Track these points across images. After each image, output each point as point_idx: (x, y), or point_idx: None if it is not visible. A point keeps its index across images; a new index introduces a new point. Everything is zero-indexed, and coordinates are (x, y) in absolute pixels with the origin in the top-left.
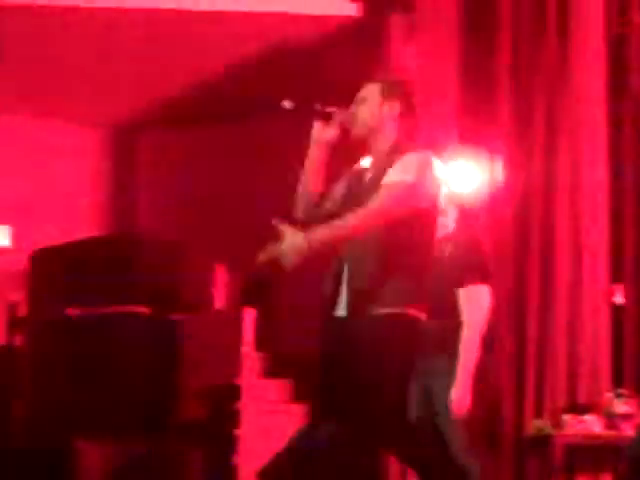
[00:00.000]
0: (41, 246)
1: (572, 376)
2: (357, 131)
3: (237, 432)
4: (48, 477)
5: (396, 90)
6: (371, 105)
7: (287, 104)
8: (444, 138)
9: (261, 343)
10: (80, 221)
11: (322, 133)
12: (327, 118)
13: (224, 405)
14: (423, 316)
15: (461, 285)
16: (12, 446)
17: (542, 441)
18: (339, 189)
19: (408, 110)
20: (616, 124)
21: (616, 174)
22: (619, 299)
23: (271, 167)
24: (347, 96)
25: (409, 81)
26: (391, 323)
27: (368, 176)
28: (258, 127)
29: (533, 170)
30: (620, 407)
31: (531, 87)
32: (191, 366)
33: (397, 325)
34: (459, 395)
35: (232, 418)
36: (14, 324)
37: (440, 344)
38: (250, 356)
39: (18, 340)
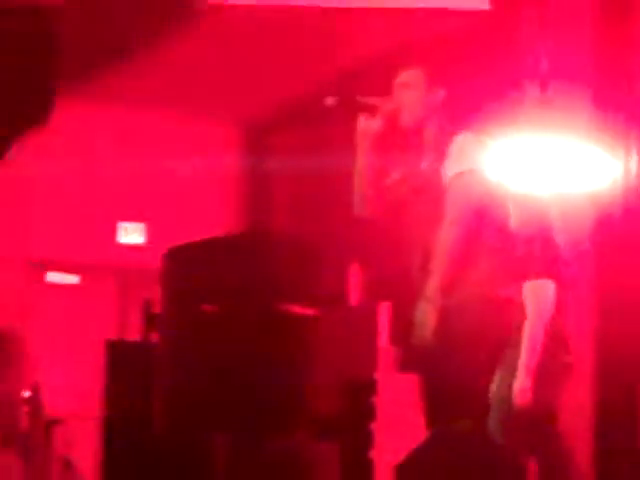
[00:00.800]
0: (175, 243)
1: None
2: (405, 121)
3: (374, 426)
4: (187, 474)
5: (440, 76)
6: (417, 93)
7: (330, 100)
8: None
9: (394, 337)
10: (215, 219)
11: (368, 126)
12: (372, 110)
13: (360, 400)
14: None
15: (525, 279)
16: (152, 444)
17: None
18: (396, 180)
19: (452, 96)
20: None
21: None
22: None
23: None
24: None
25: (451, 66)
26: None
27: (424, 165)
28: None
29: None
30: None
31: None
32: (327, 362)
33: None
34: (521, 387)
35: (369, 412)
36: (150, 321)
37: None
38: (386, 350)
39: (154, 337)
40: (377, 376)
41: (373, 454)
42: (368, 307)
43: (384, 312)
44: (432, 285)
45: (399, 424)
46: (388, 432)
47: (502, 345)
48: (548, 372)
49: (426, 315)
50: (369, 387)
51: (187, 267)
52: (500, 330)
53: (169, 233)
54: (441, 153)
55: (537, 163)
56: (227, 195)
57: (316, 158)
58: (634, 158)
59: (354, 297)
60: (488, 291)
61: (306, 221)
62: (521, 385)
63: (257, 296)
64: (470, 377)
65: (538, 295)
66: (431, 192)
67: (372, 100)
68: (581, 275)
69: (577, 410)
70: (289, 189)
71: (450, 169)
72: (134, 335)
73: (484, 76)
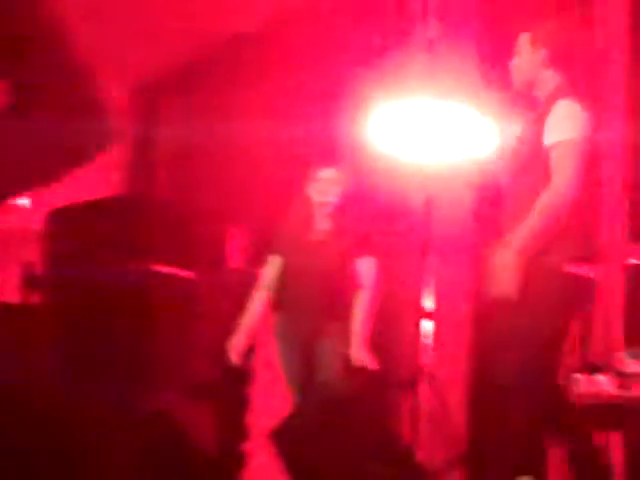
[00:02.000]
0: (57, 205)
1: (586, 336)
2: (516, 83)
3: (249, 390)
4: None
5: (543, 37)
6: (523, 56)
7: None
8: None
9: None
10: (99, 181)
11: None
12: None
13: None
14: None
15: (357, 256)
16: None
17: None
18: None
19: (557, 56)
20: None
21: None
22: (635, 260)
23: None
24: None
25: (560, 27)
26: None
27: (530, 127)
28: (276, 89)
29: None
30: (632, 367)
31: None
32: (203, 325)
33: None
34: (358, 354)
35: (244, 377)
36: (29, 283)
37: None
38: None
39: (34, 298)
40: (254, 341)
41: (248, 418)
42: (247, 271)
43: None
44: (522, 237)
45: (275, 388)
46: (264, 396)
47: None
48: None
49: (510, 265)
50: (246, 351)
51: (66, 229)
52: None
53: (51, 194)
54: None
55: (421, 129)
56: (112, 158)
57: (203, 124)
58: (519, 127)
59: (233, 260)
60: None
61: (189, 186)
62: (360, 353)
63: (133, 258)
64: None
65: (369, 270)
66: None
67: None
68: (461, 245)
69: (452, 369)
70: (175, 154)
71: (553, 136)
72: (13, 296)
73: (371, 39)
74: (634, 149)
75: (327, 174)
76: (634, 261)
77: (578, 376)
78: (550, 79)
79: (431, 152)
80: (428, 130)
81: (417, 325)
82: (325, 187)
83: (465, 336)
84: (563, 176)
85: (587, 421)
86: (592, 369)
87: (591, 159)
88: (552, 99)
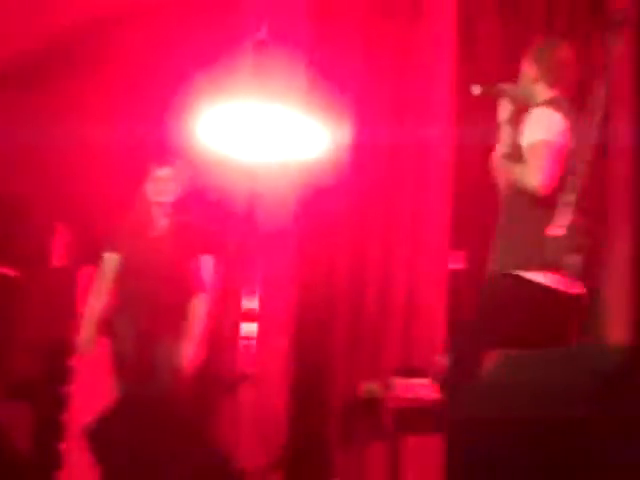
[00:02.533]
0: None
1: (407, 339)
2: (518, 100)
3: (68, 389)
4: None
5: (539, 53)
6: (525, 70)
7: (477, 90)
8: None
9: None
10: None
11: (506, 110)
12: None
13: (56, 363)
14: None
15: (196, 254)
16: None
17: (373, 404)
18: None
19: (549, 72)
20: (463, 92)
21: (461, 138)
22: (458, 265)
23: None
24: None
25: (556, 44)
26: None
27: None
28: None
29: (377, 131)
30: None
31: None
32: (23, 323)
33: None
34: (192, 354)
35: (63, 376)
36: None
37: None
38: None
39: None
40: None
41: (65, 416)
42: (70, 270)
43: (86, 277)
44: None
45: (94, 387)
46: (82, 395)
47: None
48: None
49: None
50: (65, 351)
51: None
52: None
53: None
54: None
55: (250, 129)
56: None
57: (32, 118)
58: (346, 128)
59: (57, 259)
60: None
61: (15, 182)
62: (192, 353)
63: None
64: None
65: (206, 270)
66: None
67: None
68: (285, 245)
69: (273, 369)
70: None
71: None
72: None
73: (203, 39)
74: (460, 155)
75: (163, 173)
76: (455, 266)
77: (397, 380)
78: (541, 93)
79: (258, 152)
80: (256, 130)
81: (237, 326)
82: (162, 186)
83: (288, 337)
84: (537, 172)
85: (405, 425)
86: (411, 373)
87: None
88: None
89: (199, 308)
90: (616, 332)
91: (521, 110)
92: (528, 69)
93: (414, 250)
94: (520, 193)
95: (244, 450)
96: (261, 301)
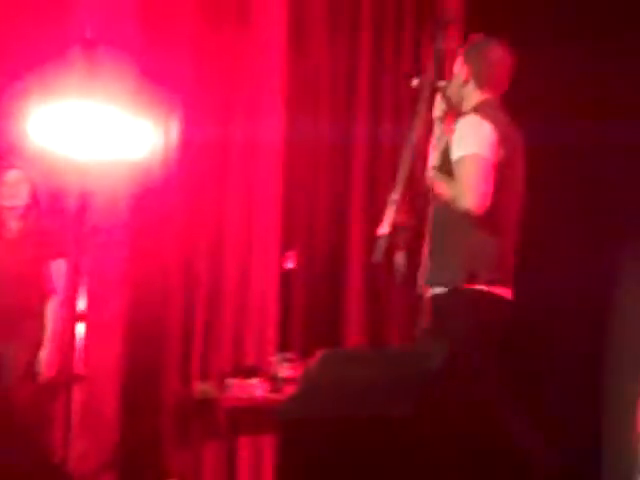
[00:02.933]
0: None
1: (240, 340)
2: (451, 101)
3: None
4: None
5: (471, 53)
6: (456, 71)
7: (415, 82)
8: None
9: None
10: None
11: (440, 107)
12: (442, 91)
13: None
14: None
15: (45, 259)
16: None
17: (207, 404)
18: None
19: (480, 74)
20: (294, 91)
21: (289, 140)
22: (290, 264)
23: None
24: None
25: (487, 44)
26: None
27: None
28: None
29: (210, 136)
30: (284, 371)
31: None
32: None
33: None
34: (48, 358)
35: None
36: None
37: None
38: None
39: None
40: None
41: None
42: None
43: None
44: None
45: None
46: None
47: None
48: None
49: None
50: None
51: None
52: None
53: None
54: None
55: (79, 129)
56: None
57: None
58: (174, 127)
59: None
60: None
61: None
62: (49, 357)
63: None
64: None
65: (59, 273)
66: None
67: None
68: (116, 244)
69: (104, 369)
70: None
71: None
72: None
73: (32, 38)
74: (290, 156)
75: (11, 176)
76: (287, 266)
77: (231, 380)
78: (471, 95)
79: (89, 150)
80: (87, 129)
81: (72, 326)
82: (11, 189)
83: (119, 337)
84: (469, 192)
85: (240, 425)
86: (245, 373)
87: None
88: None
89: (52, 311)
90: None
91: (453, 111)
92: (459, 70)
93: (245, 250)
94: (451, 207)
95: (76, 452)
96: (90, 300)
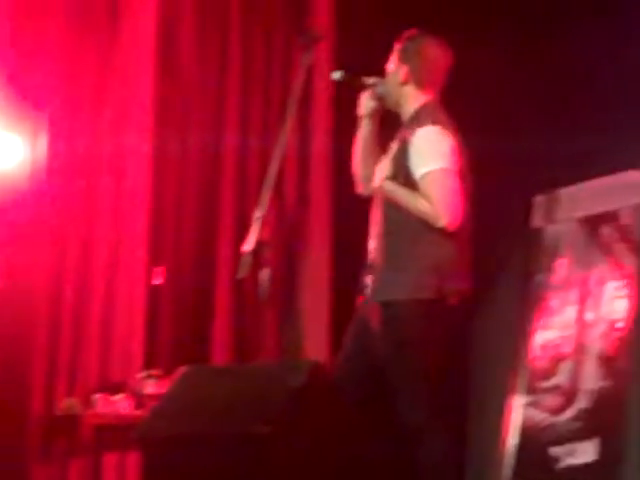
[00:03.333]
0: None
1: (105, 356)
2: (387, 101)
3: None
4: None
5: (408, 52)
6: (392, 70)
7: (337, 75)
8: None
9: None
10: None
11: (368, 105)
12: (371, 88)
13: None
14: None
15: None
16: None
17: (72, 420)
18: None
19: (419, 73)
20: (165, 103)
21: (158, 156)
22: (158, 280)
23: None
24: None
25: (426, 40)
26: None
27: (395, 149)
28: None
29: (78, 150)
30: (149, 388)
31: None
32: None
33: None
34: None
35: None
36: None
37: None
38: None
39: None
40: None
41: None
42: None
43: None
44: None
45: None
46: None
47: None
48: None
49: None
50: None
51: None
52: None
53: None
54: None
55: None
56: None
57: None
58: (43, 140)
59: None
60: None
61: None
62: None
63: None
64: None
65: None
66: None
67: (371, 79)
68: None
69: None
70: None
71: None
72: None
73: None
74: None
75: None
76: (155, 282)
77: (96, 396)
78: (410, 96)
79: None
80: None
81: None
82: None
83: None
84: (442, 209)
85: (105, 441)
86: (111, 389)
87: None
88: (413, 124)
89: None
90: (312, 348)
91: (386, 110)
92: (396, 68)
93: (112, 265)
94: (409, 217)
95: None
96: None
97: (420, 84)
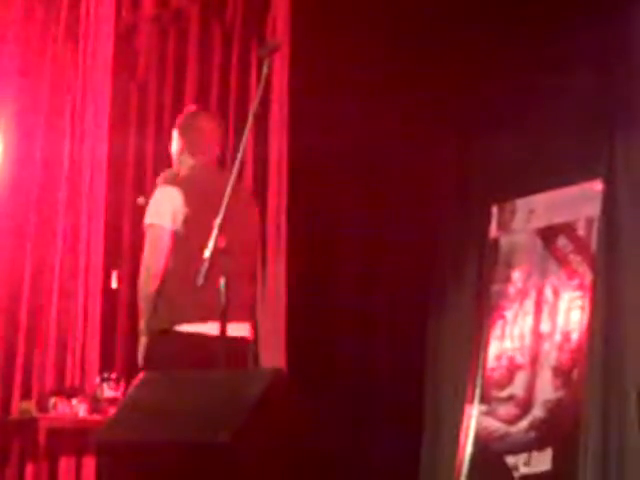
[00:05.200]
0: None
1: (62, 359)
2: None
3: None
4: None
5: (181, 128)
6: (173, 141)
7: (141, 201)
8: None
9: None
10: None
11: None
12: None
13: None
14: None
15: None
16: None
17: (27, 424)
18: None
19: (189, 144)
20: (122, 108)
21: (114, 158)
22: (114, 284)
23: None
24: None
25: (197, 115)
26: None
27: None
28: None
29: (34, 151)
30: (107, 391)
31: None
32: None
33: None
34: None
35: None
36: None
37: None
38: None
39: None
40: None
41: None
42: None
43: None
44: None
45: None
46: None
47: None
48: None
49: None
50: None
51: None
52: None
53: None
54: None
55: None
56: None
57: None
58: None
59: None
60: None
61: None
62: None
63: None
64: None
65: None
66: None
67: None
68: None
69: None
70: None
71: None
72: None
73: None
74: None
75: None
76: (112, 286)
77: (53, 400)
78: (186, 162)
79: None
80: None
81: None
82: None
83: None
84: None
85: (61, 445)
86: (67, 393)
87: None
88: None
89: None
90: (269, 356)
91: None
92: (176, 140)
93: (69, 269)
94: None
95: None
96: None
97: (192, 152)
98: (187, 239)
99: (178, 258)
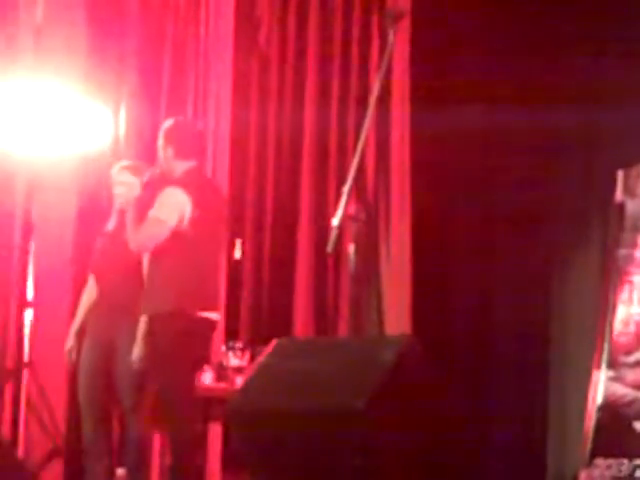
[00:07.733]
0: None
1: None
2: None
3: None
4: None
5: (169, 135)
6: (160, 148)
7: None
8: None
9: None
10: None
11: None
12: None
13: None
14: None
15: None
16: None
17: None
18: None
19: (183, 149)
20: (243, 84)
21: (237, 132)
22: (238, 254)
23: None
24: None
25: (181, 122)
26: None
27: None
28: None
29: (156, 131)
30: (232, 360)
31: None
32: None
33: None
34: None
35: None
36: None
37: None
38: None
39: None
40: None
41: None
42: None
43: None
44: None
45: None
46: None
47: None
48: None
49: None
50: None
51: None
52: None
53: None
54: None
55: (29, 116)
56: None
57: None
58: (123, 113)
59: None
60: None
61: None
62: None
63: None
64: None
65: None
66: None
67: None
68: (63, 233)
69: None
70: None
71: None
72: None
73: None
74: None
75: None
76: (234, 256)
77: None
78: (178, 167)
79: (37, 141)
80: (35, 119)
81: (21, 313)
82: None
83: (66, 326)
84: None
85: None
86: None
87: None
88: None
89: None
90: (395, 322)
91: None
92: (164, 148)
93: None
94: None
95: (25, 439)
96: (37, 289)
97: (184, 156)
98: (193, 239)
99: (185, 255)
